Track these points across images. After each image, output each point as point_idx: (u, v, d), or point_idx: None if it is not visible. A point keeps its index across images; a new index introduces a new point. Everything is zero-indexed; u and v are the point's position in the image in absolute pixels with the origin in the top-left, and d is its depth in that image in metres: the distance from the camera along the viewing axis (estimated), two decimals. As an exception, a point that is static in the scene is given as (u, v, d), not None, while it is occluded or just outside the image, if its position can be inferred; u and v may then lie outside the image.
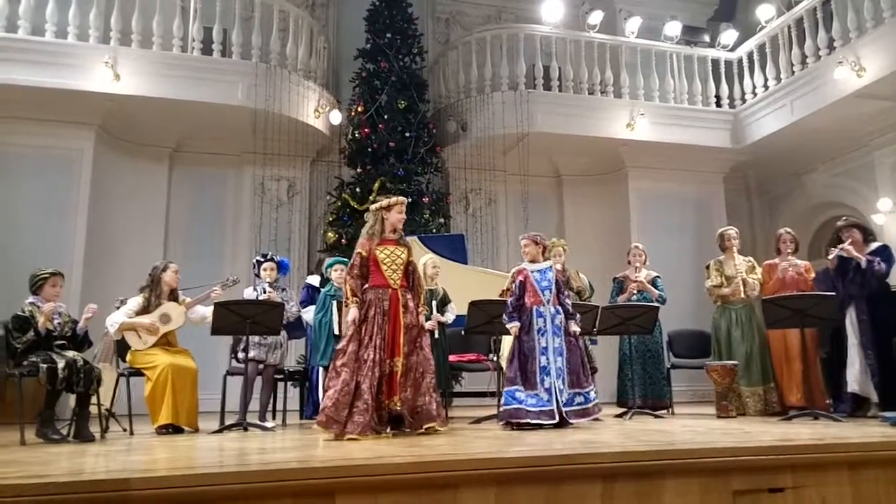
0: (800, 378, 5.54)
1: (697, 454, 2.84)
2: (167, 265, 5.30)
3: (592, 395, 4.74)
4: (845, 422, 4.68)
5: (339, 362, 4.19)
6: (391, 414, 4.23)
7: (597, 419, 4.80)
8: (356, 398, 4.05)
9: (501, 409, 4.69)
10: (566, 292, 4.99)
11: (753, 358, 5.99)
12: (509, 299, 4.88)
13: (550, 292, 4.80)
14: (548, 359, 4.64)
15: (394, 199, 4.55)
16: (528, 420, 4.46)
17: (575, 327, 4.80)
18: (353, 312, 4.27)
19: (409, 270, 4.50)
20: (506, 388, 4.67)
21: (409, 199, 5.55)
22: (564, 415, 4.51)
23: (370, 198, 8.32)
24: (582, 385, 4.70)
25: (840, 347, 5.48)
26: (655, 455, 2.79)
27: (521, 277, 4.88)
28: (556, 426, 4.45)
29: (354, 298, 4.31)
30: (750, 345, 6.03)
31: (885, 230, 8.19)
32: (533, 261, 4.96)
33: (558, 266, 6.18)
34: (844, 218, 5.91)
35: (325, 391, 4.22)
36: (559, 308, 4.80)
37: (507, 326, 4.82)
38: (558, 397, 4.54)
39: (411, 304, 4.41)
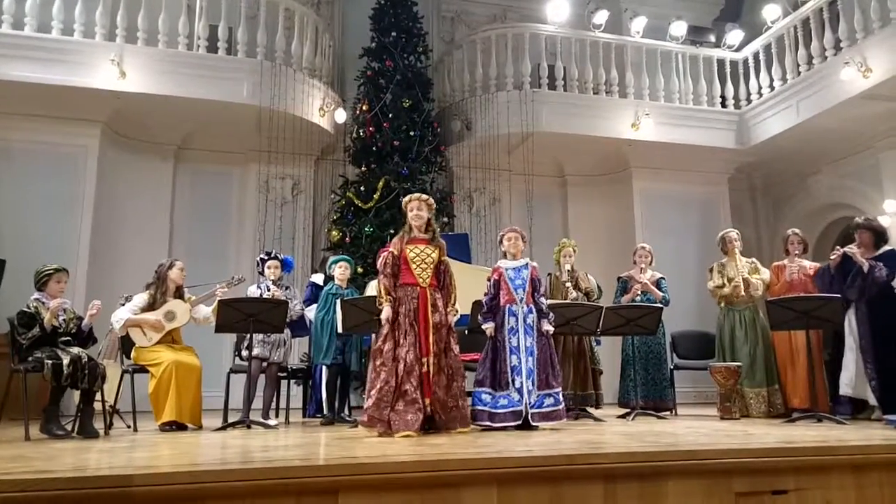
0: (805, 380, 5.50)
1: (700, 455, 2.83)
2: (173, 262, 5.32)
3: (562, 397, 4.64)
4: (849, 424, 4.66)
5: (377, 362, 4.20)
6: (424, 413, 4.22)
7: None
8: (401, 396, 4.06)
9: (470, 408, 4.61)
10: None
11: (757, 359, 5.96)
12: (485, 298, 4.84)
13: (524, 290, 4.73)
14: (519, 358, 4.58)
15: (405, 198, 4.54)
16: (490, 423, 4.43)
17: (547, 326, 4.73)
18: (386, 311, 4.26)
19: (441, 270, 4.47)
20: (474, 389, 4.63)
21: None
22: (530, 417, 4.44)
23: (374, 196, 8.34)
24: (551, 385, 4.60)
25: (839, 349, 5.44)
26: (658, 456, 2.79)
27: (496, 276, 4.84)
28: (519, 427, 4.40)
29: (388, 297, 4.29)
30: (754, 346, 6.01)
31: (891, 232, 8.14)
32: (512, 256, 4.91)
33: (568, 266, 6.17)
34: (864, 217, 5.66)
35: (369, 391, 4.22)
36: (532, 307, 4.73)
37: (483, 327, 4.76)
38: (527, 398, 4.49)
39: (440, 303, 4.38)
